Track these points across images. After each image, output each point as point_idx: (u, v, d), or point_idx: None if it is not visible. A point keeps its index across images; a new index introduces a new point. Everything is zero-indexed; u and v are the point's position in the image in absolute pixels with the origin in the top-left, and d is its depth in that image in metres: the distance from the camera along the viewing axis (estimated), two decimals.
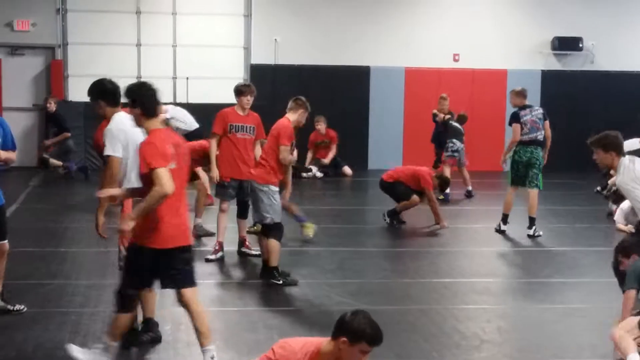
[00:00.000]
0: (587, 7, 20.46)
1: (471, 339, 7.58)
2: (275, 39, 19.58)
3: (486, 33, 20.19)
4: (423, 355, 7.15)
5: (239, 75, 19.48)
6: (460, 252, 11.68)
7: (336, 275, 9.84)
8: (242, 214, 10.70)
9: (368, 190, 17.31)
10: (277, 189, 9.44)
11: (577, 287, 9.66)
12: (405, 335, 7.57)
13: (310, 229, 11.62)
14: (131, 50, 19.15)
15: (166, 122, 11.21)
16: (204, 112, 16.84)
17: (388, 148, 19.62)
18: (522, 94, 12.95)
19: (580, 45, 20.36)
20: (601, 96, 20.20)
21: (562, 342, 7.62)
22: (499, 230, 12.60)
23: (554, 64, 20.66)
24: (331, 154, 18.93)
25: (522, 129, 12.50)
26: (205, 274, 9.39)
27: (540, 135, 12.67)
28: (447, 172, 15.50)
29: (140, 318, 7.18)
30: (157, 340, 7.22)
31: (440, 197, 14.59)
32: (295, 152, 9.95)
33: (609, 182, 13.69)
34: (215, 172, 10.48)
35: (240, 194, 10.46)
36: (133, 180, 6.96)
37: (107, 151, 7.08)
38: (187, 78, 19.13)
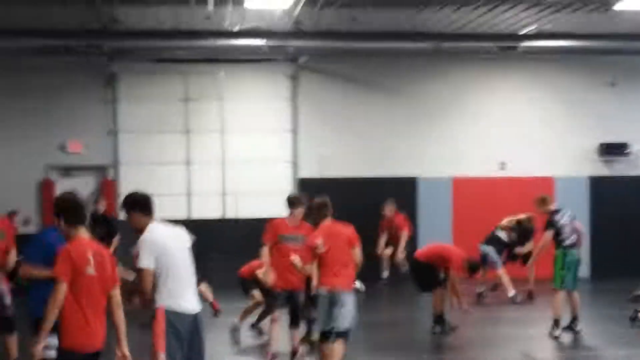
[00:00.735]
0: (632, 111, 20.53)
1: None
2: (322, 153, 19.81)
3: (532, 141, 20.31)
4: None
5: (287, 189, 19.70)
6: None
7: None
8: (294, 323, 10.72)
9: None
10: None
11: None
12: None
13: None
14: (181, 168, 19.48)
15: None
16: (254, 227, 17.04)
17: None
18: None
19: (627, 150, 20.38)
20: None
21: None
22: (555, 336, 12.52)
23: (601, 170, 20.64)
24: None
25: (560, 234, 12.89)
26: None
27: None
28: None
29: None
30: None
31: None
32: None
33: None
34: (270, 278, 10.55)
35: (291, 303, 10.51)
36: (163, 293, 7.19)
37: (140, 263, 7.19)
38: (236, 194, 19.37)
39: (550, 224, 12.95)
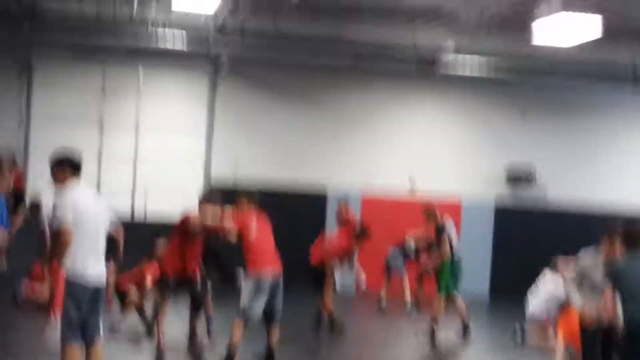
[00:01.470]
0: (540, 141, 21.14)
1: None
2: (236, 157, 19.86)
3: (442, 161, 20.76)
4: None
5: (199, 190, 19.71)
6: None
7: None
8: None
9: None
10: None
11: None
12: None
13: None
14: (92, 161, 19.19)
15: None
16: (162, 227, 17.09)
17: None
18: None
19: (533, 178, 20.93)
20: (554, 231, 20.42)
21: None
22: None
23: (507, 195, 21.14)
24: None
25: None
26: None
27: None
28: None
29: None
30: None
31: None
32: None
33: None
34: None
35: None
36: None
37: (57, 220, 7.23)
38: (146, 191, 19.31)
39: (444, 228, 13.56)
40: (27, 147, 19.16)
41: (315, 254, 13.57)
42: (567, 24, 14.68)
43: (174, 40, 18.55)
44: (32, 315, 12.51)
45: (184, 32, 18.53)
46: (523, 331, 13.33)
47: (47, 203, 16.15)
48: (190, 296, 10.59)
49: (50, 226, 7.54)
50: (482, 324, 15.50)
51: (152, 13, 16.34)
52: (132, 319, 12.24)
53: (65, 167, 7.53)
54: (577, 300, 8.22)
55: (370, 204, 19.70)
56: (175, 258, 10.37)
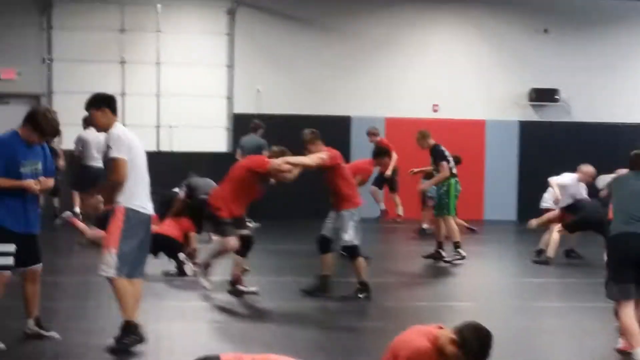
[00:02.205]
0: (563, 59, 20.91)
1: None
2: (258, 89, 19.90)
3: (464, 84, 20.62)
4: None
5: (222, 124, 19.79)
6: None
7: None
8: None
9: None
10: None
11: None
12: None
13: None
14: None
15: None
16: (188, 160, 17.22)
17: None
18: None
19: (557, 97, 20.79)
20: (577, 147, 20.52)
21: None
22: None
23: (531, 115, 21.05)
24: None
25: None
26: None
27: None
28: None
29: None
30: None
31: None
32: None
33: None
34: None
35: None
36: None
37: (112, 153, 7.36)
38: (171, 126, 19.37)
39: (442, 154, 13.55)
40: (50, 87, 19.25)
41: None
42: None
43: None
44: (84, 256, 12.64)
45: None
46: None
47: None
48: (242, 238, 10.40)
49: (104, 162, 7.61)
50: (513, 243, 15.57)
51: None
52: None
53: (105, 109, 7.62)
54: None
55: (394, 124, 19.75)
56: (233, 199, 10.27)
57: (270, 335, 8.61)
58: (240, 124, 19.54)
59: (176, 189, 13.04)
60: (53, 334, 7.99)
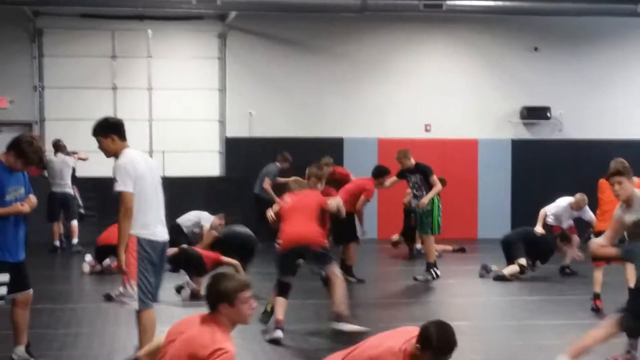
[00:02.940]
0: (554, 77, 20.96)
1: None
2: (250, 112, 19.91)
3: (456, 104, 20.64)
4: None
5: (215, 148, 19.79)
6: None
7: None
8: None
9: None
10: None
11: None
12: None
13: None
14: None
15: None
16: (181, 185, 17.20)
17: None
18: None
19: (548, 114, 20.83)
20: (570, 164, 20.55)
21: None
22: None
23: (523, 133, 21.08)
24: None
25: None
26: None
27: None
28: None
29: None
30: None
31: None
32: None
33: None
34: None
35: None
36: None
37: (118, 187, 7.28)
38: (164, 152, 19.34)
39: (430, 169, 13.64)
40: (42, 115, 19.25)
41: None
42: None
43: None
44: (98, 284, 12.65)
45: None
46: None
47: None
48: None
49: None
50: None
51: None
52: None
53: (114, 136, 7.53)
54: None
55: (387, 145, 19.75)
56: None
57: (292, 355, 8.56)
58: (233, 148, 19.55)
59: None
60: None
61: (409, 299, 12.58)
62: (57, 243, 16.84)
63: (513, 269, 13.91)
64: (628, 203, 7.79)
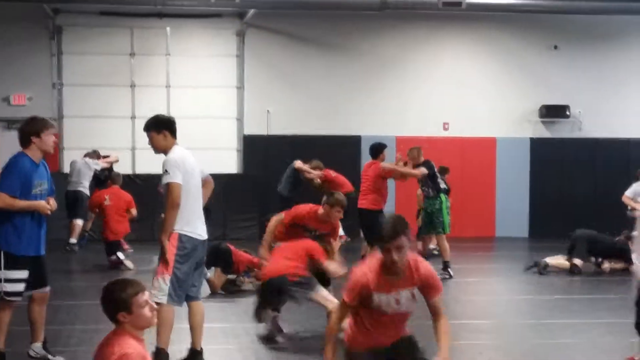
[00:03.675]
0: (573, 75, 20.86)
1: None
2: (268, 110, 19.92)
3: (475, 102, 20.58)
4: None
5: (232, 146, 19.81)
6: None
7: None
8: None
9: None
10: None
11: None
12: None
13: None
14: (125, 122, 19.45)
15: None
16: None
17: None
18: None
19: (567, 113, 20.73)
20: (589, 162, 20.48)
21: None
22: None
23: (542, 132, 20.99)
24: None
25: None
26: None
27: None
28: None
29: None
30: None
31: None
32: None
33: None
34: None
35: None
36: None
37: (168, 179, 7.39)
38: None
39: (428, 165, 13.66)
40: (60, 112, 19.32)
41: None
42: None
43: None
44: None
45: None
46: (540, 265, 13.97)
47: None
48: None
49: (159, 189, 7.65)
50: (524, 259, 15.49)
51: None
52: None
53: (166, 132, 7.64)
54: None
55: (405, 143, 19.67)
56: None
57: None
58: (251, 145, 19.56)
59: None
60: (59, 358, 7.96)
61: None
62: (74, 240, 16.89)
63: (561, 262, 13.88)
64: None
